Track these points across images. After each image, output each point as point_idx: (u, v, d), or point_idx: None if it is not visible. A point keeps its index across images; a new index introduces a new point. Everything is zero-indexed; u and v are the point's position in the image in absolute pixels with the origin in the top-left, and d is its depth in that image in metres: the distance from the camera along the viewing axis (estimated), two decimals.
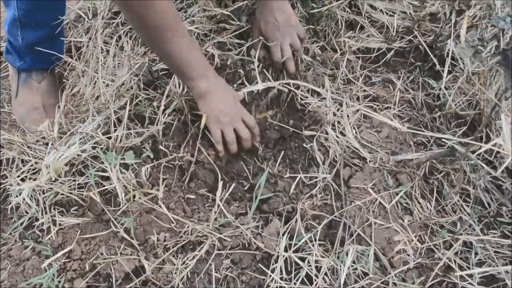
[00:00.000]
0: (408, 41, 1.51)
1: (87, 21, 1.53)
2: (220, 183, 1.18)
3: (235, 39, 1.40)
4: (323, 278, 1.05)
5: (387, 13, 1.55)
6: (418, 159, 1.20)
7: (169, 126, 1.25)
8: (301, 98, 1.35)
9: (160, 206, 1.11)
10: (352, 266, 1.06)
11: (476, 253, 1.12)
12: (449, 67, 1.33)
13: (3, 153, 1.23)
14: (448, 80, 1.39)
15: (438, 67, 1.43)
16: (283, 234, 1.11)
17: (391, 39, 1.52)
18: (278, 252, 1.09)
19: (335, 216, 1.14)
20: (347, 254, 1.07)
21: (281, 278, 1.06)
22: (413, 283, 1.06)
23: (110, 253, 1.07)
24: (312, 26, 1.48)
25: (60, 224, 1.12)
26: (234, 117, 1.22)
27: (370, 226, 1.11)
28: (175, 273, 1.06)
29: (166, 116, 1.24)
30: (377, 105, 1.38)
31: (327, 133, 1.28)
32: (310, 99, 1.35)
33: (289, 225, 1.13)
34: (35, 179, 1.15)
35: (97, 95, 1.32)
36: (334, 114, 1.32)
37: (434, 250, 1.13)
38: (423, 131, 1.26)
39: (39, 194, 1.13)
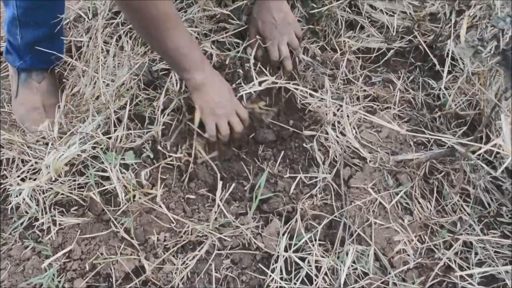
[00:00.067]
0: (408, 41, 1.51)
1: (87, 21, 1.52)
2: (220, 183, 1.18)
3: (234, 38, 1.40)
4: (323, 278, 1.05)
5: (387, 13, 1.55)
6: (418, 159, 1.20)
7: (168, 126, 1.25)
8: (301, 98, 1.35)
9: (160, 206, 1.11)
10: (352, 266, 1.06)
11: (476, 253, 1.12)
12: (449, 67, 1.32)
13: (3, 153, 1.23)
14: (448, 80, 1.39)
15: (438, 67, 1.42)
16: (283, 234, 1.11)
17: (391, 39, 1.52)
18: (278, 252, 1.09)
19: (335, 216, 1.14)
20: (347, 254, 1.07)
21: (281, 278, 1.06)
22: (413, 283, 1.06)
23: (110, 253, 1.07)
24: (312, 26, 1.48)
25: (60, 224, 1.12)
26: (229, 110, 1.21)
27: (370, 226, 1.11)
28: (175, 273, 1.06)
29: (165, 116, 1.23)
30: (377, 105, 1.38)
31: (327, 133, 1.28)
32: (310, 99, 1.34)
33: (289, 225, 1.13)
34: (35, 179, 1.15)
35: (97, 95, 1.32)
36: (334, 114, 1.32)
37: (434, 250, 1.13)
38: (423, 132, 1.26)
39: (39, 194, 1.13)
